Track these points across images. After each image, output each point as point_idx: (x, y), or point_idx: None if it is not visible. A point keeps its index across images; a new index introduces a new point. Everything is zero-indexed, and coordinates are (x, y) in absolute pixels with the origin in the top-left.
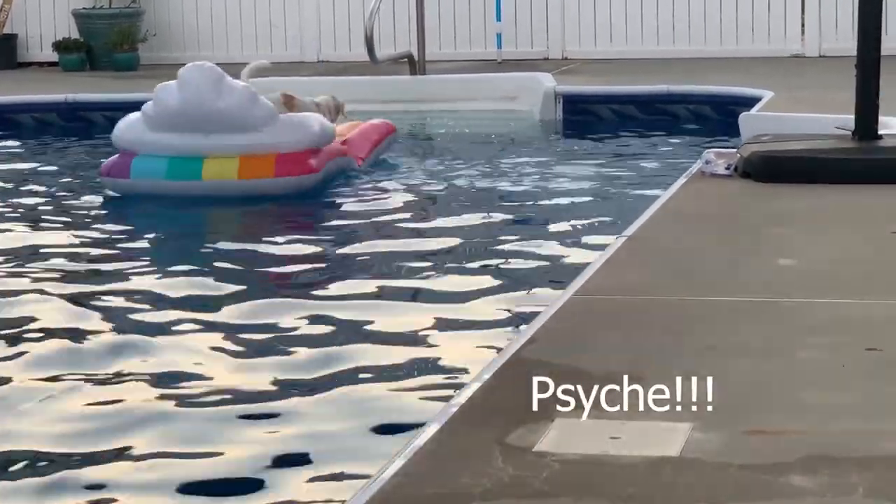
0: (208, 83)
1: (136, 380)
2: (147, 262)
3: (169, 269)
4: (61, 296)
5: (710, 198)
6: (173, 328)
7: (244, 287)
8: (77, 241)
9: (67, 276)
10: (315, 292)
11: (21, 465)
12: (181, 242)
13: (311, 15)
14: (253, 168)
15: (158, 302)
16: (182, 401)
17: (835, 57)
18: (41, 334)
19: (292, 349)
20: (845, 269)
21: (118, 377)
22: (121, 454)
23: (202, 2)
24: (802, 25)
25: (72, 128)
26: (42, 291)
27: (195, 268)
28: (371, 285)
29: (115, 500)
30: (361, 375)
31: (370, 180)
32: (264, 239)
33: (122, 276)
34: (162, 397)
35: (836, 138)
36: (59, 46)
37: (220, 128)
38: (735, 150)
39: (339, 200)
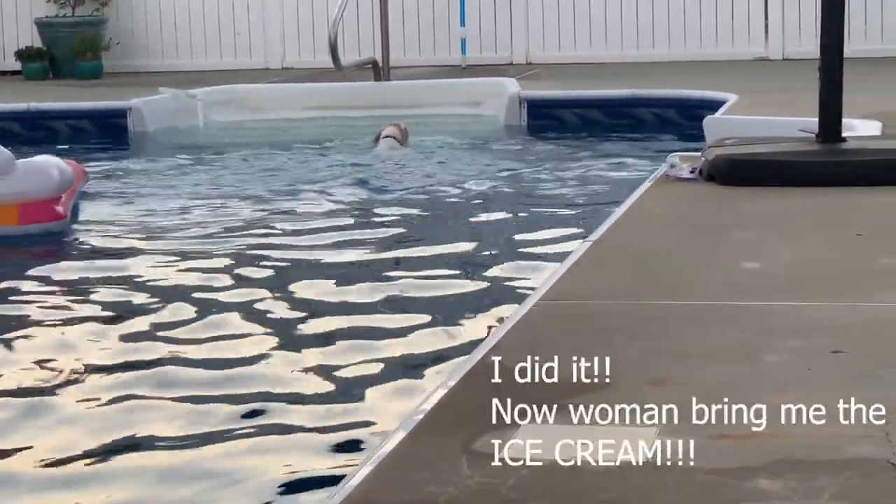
0: None
1: None
2: None
3: None
4: None
5: (674, 201)
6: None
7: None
8: None
9: None
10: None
11: None
12: None
13: (275, 22)
14: None
15: None
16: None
17: (798, 60)
18: None
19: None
20: (810, 272)
21: None
22: None
23: (166, 10)
24: (766, 29)
25: (34, 137)
26: None
27: None
28: (335, 293)
29: None
30: (337, 375)
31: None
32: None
33: None
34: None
35: (800, 141)
36: (22, 55)
37: None
38: (700, 153)
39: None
